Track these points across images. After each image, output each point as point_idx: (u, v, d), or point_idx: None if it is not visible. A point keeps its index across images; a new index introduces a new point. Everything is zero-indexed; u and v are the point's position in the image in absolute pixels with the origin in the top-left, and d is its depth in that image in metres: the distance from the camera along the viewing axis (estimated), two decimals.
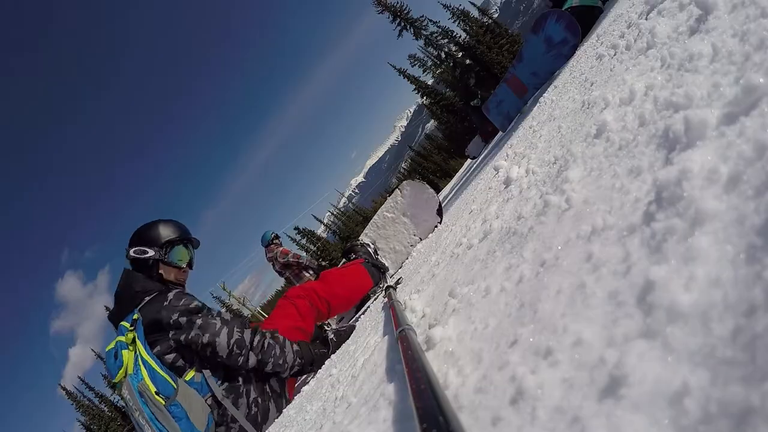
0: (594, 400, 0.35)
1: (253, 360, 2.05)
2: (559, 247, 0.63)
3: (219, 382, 2.04)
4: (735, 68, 0.57)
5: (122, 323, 2.03)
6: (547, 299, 0.54)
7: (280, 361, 2.10)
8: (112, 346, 1.99)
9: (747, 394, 0.25)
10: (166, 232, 2.29)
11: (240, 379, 2.10)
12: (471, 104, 8.61)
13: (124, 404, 1.95)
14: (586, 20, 3.68)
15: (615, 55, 1.45)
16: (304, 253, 9.07)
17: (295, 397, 2.10)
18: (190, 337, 1.98)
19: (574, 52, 3.54)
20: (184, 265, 2.32)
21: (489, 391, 0.49)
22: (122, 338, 1.97)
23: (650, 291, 0.38)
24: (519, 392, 0.42)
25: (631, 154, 0.66)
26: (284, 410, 2.05)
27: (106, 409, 24.15)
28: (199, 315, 2.04)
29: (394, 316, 1.06)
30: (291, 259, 7.52)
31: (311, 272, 7.53)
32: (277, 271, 7.70)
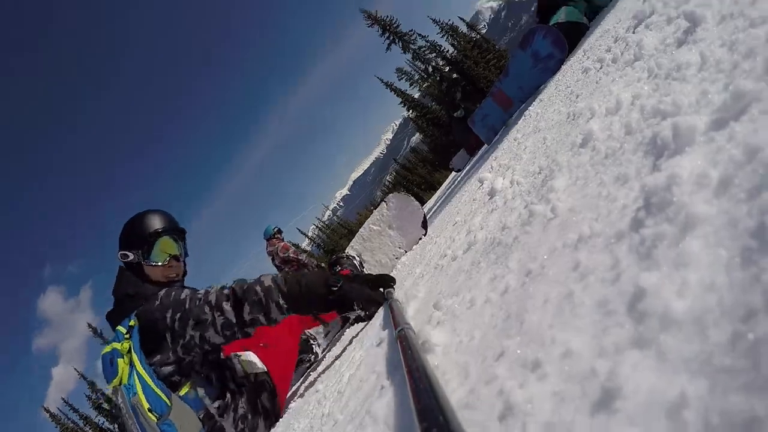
0: (586, 414, 0.33)
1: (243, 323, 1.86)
2: (545, 257, 0.62)
3: (212, 398, 1.99)
4: (723, 76, 0.57)
5: (119, 328, 1.96)
6: (534, 309, 0.52)
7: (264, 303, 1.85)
8: (108, 350, 1.91)
9: (750, 403, 0.23)
10: (141, 230, 2.17)
11: (228, 395, 2.05)
12: (454, 115, 8.69)
13: (116, 408, 1.88)
14: (572, 36, 3.75)
15: (601, 68, 1.46)
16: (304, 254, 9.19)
17: (283, 415, 2.06)
18: (186, 341, 1.88)
19: (560, 67, 3.59)
20: (165, 262, 2.19)
21: (477, 407, 0.47)
22: (118, 345, 1.89)
23: (641, 298, 0.36)
24: (508, 407, 0.40)
25: (618, 162, 0.65)
26: (272, 429, 2.00)
27: (90, 431, 23.47)
28: (185, 309, 1.90)
29: (393, 314, 1.04)
30: (291, 255, 7.55)
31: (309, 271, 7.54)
32: (276, 265, 7.71)
